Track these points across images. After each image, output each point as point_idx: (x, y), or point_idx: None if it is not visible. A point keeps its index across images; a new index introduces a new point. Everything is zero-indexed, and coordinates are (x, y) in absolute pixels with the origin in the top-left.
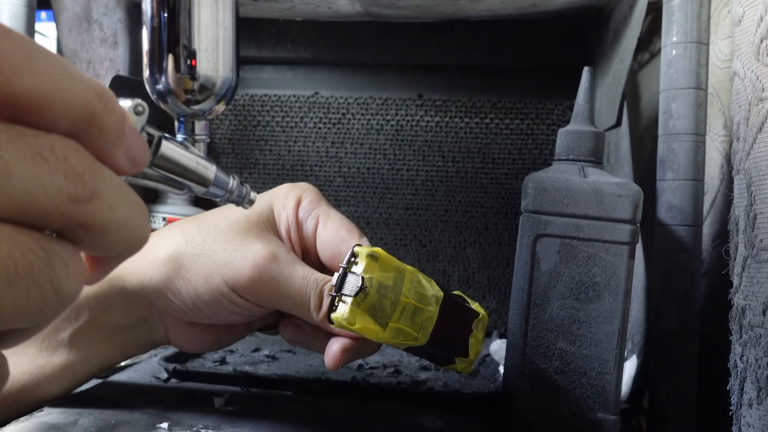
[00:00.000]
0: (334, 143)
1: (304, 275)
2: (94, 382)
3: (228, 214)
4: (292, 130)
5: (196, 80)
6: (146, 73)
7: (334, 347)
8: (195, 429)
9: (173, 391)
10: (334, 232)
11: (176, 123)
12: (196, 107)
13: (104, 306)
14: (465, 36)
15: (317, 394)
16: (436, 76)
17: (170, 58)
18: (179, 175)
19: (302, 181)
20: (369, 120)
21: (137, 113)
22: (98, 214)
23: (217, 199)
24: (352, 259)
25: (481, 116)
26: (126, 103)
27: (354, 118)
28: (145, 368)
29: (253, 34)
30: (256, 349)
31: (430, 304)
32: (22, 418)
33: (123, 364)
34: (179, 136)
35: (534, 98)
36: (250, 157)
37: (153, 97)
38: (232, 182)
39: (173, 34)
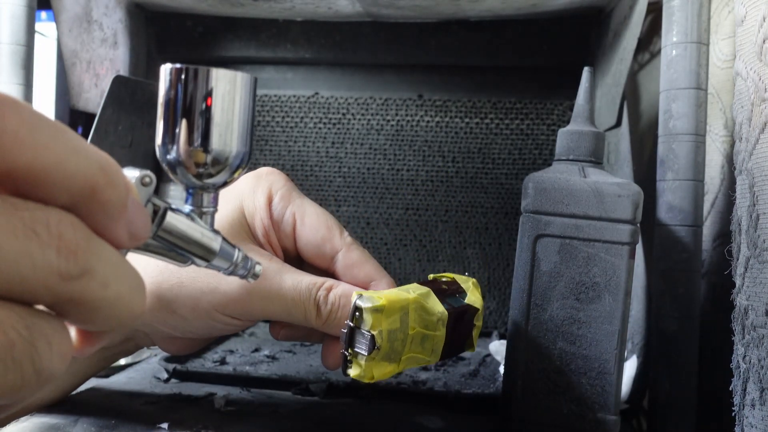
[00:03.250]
0: (334, 143)
1: (293, 285)
2: (94, 382)
3: None
4: (292, 130)
5: (208, 154)
6: (158, 140)
7: (336, 350)
8: (195, 429)
9: (173, 391)
10: (314, 232)
11: (185, 194)
12: (207, 181)
13: None
14: (465, 36)
15: (317, 394)
16: (436, 76)
17: (183, 131)
18: (182, 248)
19: (302, 181)
20: (369, 120)
21: (144, 184)
22: (89, 291)
23: (221, 272)
24: (357, 314)
25: (481, 116)
26: (133, 174)
27: (354, 118)
28: (145, 368)
29: (253, 34)
30: (256, 349)
31: (437, 329)
32: (22, 419)
33: (123, 363)
34: (186, 207)
35: (534, 98)
36: (250, 157)
37: (163, 166)
38: (237, 254)
39: (188, 107)
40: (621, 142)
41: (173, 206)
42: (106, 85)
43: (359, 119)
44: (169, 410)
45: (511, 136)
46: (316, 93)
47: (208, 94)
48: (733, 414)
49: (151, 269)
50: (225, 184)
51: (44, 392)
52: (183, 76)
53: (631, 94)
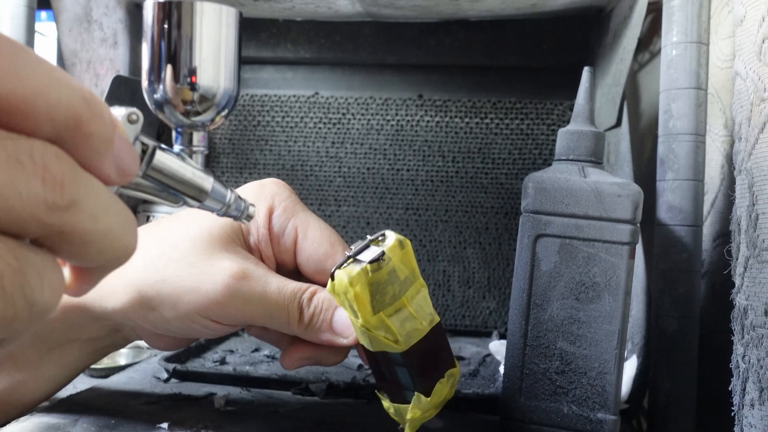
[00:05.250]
0: (334, 143)
1: (279, 288)
2: (94, 382)
3: (189, 228)
4: (292, 130)
5: (195, 91)
6: (145, 82)
7: (296, 354)
8: (195, 429)
9: (173, 391)
10: (317, 247)
11: (173, 133)
12: (195, 118)
13: (74, 325)
14: (465, 36)
15: (317, 394)
16: (436, 76)
17: (169, 68)
18: (174, 188)
19: (302, 181)
20: (369, 120)
21: (131, 122)
22: (78, 224)
23: (214, 213)
24: (380, 237)
25: (481, 116)
26: (120, 112)
27: (354, 118)
28: (145, 368)
29: (253, 34)
30: (256, 349)
31: (424, 319)
32: (22, 418)
33: (123, 363)
34: (176, 147)
35: (534, 98)
36: (250, 157)
37: (151, 106)
38: (230, 195)
39: (174, 44)
40: (621, 142)
41: (163, 146)
42: (106, 85)
43: (359, 119)
44: (169, 410)
45: (511, 136)
46: (316, 93)
47: (194, 29)
48: (732, 414)
49: (137, 264)
50: (212, 121)
51: (38, 387)
52: (167, 11)
53: (631, 94)
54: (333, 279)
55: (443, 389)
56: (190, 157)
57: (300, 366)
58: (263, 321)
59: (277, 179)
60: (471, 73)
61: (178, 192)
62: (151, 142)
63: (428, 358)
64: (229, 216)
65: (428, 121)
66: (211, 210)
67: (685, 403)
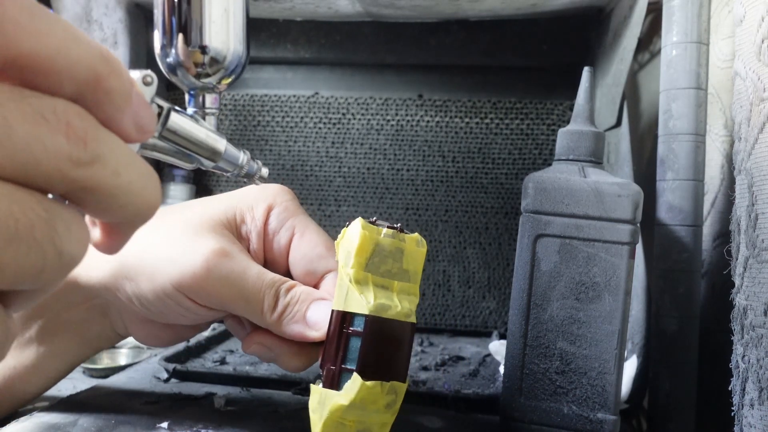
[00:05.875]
0: (334, 143)
1: (258, 274)
2: (94, 382)
3: (184, 214)
4: (292, 130)
5: (206, 53)
6: (157, 46)
7: (255, 337)
8: (195, 429)
9: (173, 390)
10: (312, 247)
11: (186, 96)
12: (206, 80)
13: (64, 302)
14: (465, 36)
15: None
16: (436, 76)
17: (181, 31)
18: (189, 148)
19: (302, 181)
20: (369, 120)
21: (146, 83)
22: (102, 178)
23: (227, 174)
24: (405, 230)
25: (481, 116)
26: (135, 74)
27: (354, 118)
28: (145, 368)
29: (253, 34)
30: None
31: (402, 310)
32: (22, 418)
33: (123, 363)
34: (190, 109)
35: (534, 98)
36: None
37: (164, 70)
38: (243, 157)
39: (185, 8)
40: (621, 142)
41: (177, 108)
42: None
43: (359, 119)
44: (169, 410)
45: (511, 136)
46: (316, 93)
47: None
48: (732, 414)
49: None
50: (221, 82)
51: (32, 381)
52: None
53: (631, 94)
54: (347, 227)
55: (381, 396)
56: (203, 119)
57: (257, 352)
58: (237, 305)
59: (280, 185)
60: (471, 73)
61: (193, 153)
62: (165, 104)
63: (386, 345)
64: (242, 177)
65: (428, 121)
66: (225, 171)
67: (685, 403)
